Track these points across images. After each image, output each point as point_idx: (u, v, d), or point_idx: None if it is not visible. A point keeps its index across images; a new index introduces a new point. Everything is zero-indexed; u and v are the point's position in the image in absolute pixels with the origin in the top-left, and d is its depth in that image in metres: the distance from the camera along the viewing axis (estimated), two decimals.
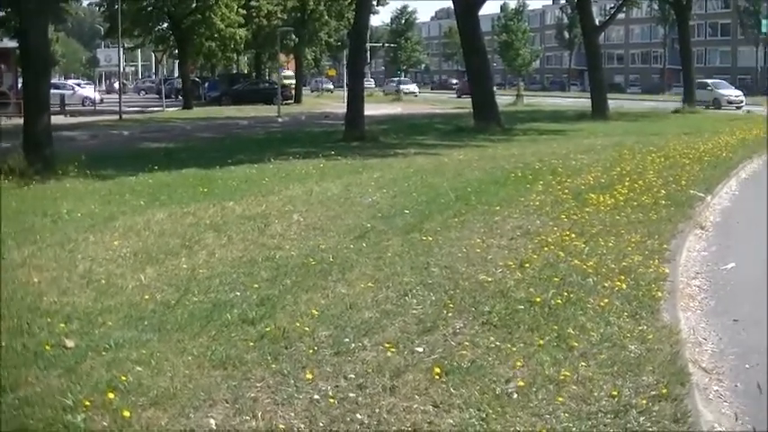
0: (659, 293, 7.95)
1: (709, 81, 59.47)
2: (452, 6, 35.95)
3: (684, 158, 19.04)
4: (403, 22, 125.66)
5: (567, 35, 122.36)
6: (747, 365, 6.85)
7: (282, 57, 70.85)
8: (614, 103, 46.84)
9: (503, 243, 10.01)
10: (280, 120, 43.10)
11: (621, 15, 77.01)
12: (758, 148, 23.95)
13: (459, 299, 7.55)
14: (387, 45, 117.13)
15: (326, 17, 66.07)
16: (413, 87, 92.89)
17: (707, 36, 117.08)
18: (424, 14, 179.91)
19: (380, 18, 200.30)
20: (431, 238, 10.11)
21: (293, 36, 64.19)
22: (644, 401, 5.40)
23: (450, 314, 7.11)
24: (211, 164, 19.41)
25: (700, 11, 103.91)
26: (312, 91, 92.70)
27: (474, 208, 12.36)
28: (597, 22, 47.18)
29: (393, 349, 6.19)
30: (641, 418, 5.19)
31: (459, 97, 70.37)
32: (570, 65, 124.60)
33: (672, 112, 44.83)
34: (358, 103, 29.05)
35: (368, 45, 41.02)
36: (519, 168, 17.14)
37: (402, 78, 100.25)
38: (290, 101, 63.34)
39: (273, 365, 5.87)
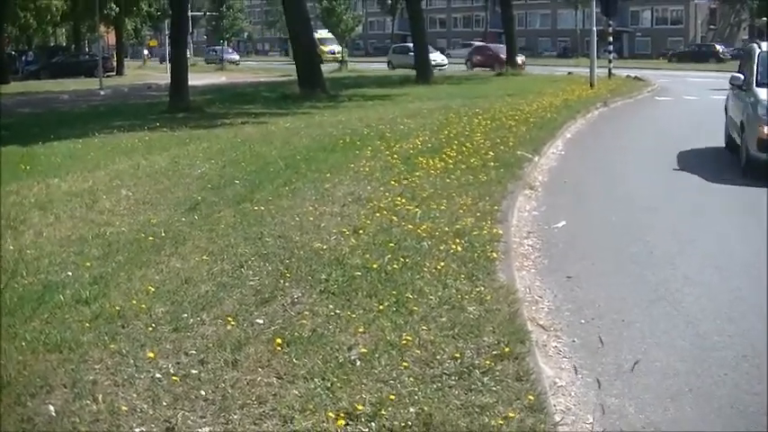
0: (494, 254, 8.09)
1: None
2: None
3: (510, 120, 19.43)
4: None
5: (389, 1, 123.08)
6: (582, 320, 7.07)
7: (102, 28, 68.86)
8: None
9: (335, 210, 10.00)
10: (102, 93, 41.93)
11: None
12: (581, 108, 24.72)
13: (295, 268, 7.49)
14: (208, 13, 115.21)
15: None
16: (235, 56, 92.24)
17: None
18: None
19: None
20: (263, 208, 10.01)
21: (113, 6, 62.45)
22: (486, 362, 5.49)
23: (287, 284, 7.05)
24: (33, 140, 18.68)
25: None
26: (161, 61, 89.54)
27: (304, 176, 12.30)
28: None
29: (233, 322, 6.10)
30: (485, 378, 5.26)
31: (471, 69, 61.32)
32: (393, 30, 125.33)
33: (495, 74, 45.67)
34: (182, 73, 28.55)
35: (189, 14, 40.14)
36: (347, 134, 17.15)
37: (224, 47, 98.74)
38: (111, 73, 61.73)
39: (111, 346, 5.70)
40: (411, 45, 50.94)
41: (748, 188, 12.93)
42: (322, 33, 74.98)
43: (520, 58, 54.04)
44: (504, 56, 52.74)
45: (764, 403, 5.55)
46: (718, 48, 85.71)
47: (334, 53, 74.47)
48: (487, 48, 66.37)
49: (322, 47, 67.03)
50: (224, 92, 38.15)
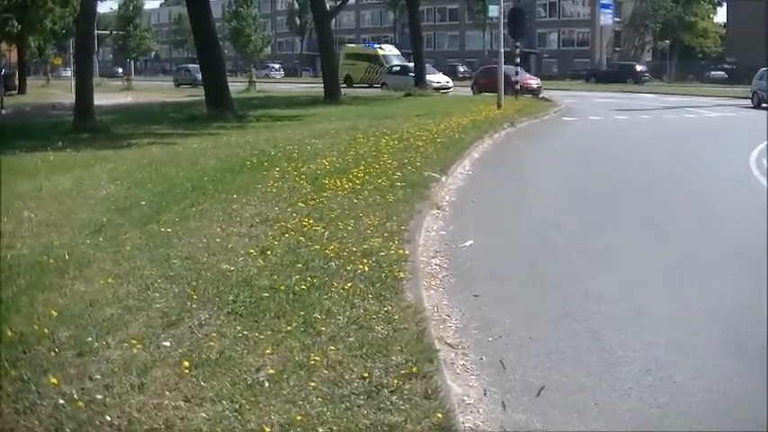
0: (401, 274, 8.11)
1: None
2: None
3: (418, 140, 19.55)
4: (131, 9, 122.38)
5: (298, 21, 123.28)
6: (490, 338, 7.14)
7: (4, 45, 67.48)
8: (346, 87, 47.54)
9: (243, 231, 9.94)
10: (3, 112, 41.11)
11: (352, 1, 78.42)
12: (488, 128, 24.97)
13: (202, 290, 7.42)
14: (115, 32, 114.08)
15: (51, 3, 63.33)
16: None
17: (436, 21, 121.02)
18: (153, 1, 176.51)
19: (108, 4, 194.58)
20: (170, 230, 9.89)
21: (15, 24, 61.28)
22: (395, 381, 5.50)
23: (194, 306, 6.99)
24: None
25: None
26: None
27: (212, 197, 12.20)
28: (328, 8, 47.66)
29: (139, 345, 6.01)
30: (393, 397, 5.28)
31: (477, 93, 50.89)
32: (302, 50, 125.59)
33: (404, 95, 45.90)
34: (87, 92, 28.04)
35: (95, 32, 39.61)
36: (255, 155, 17.07)
37: (128, 68, 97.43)
38: (13, 92, 60.52)
39: (12, 372, 5.56)
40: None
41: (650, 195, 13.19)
42: (386, 49, 70.31)
43: (535, 82, 51.12)
44: (515, 78, 46.30)
45: (667, 414, 5.69)
46: (638, 68, 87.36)
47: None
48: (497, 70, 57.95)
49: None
50: (131, 112, 37.64)
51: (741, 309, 8.25)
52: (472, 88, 53.77)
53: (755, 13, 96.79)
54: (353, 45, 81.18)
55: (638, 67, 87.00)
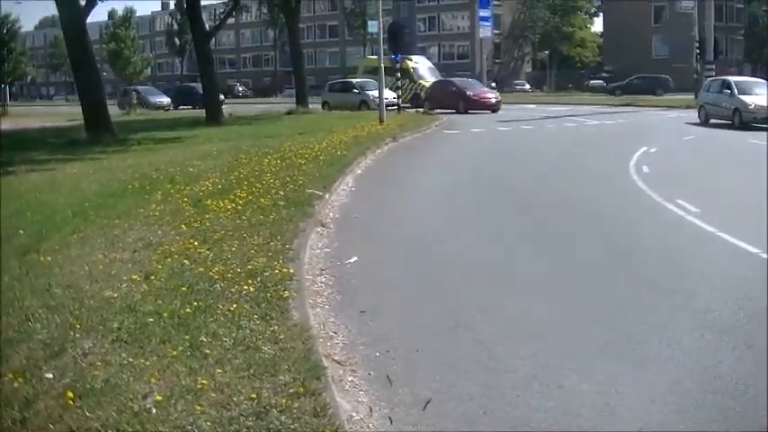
0: (287, 293, 8.11)
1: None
2: (58, 15, 34.66)
3: (300, 159, 19.56)
4: (5, 32, 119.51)
5: (177, 41, 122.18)
6: (377, 353, 7.20)
7: None
8: (228, 107, 47.24)
9: (126, 257, 9.78)
10: None
11: (232, 20, 77.60)
12: (371, 144, 25.12)
13: (86, 318, 7.28)
14: None
15: None
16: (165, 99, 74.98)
17: (316, 38, 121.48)
18: (27, 23, 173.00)
19: None
20: (50, 258, 9.68)
21: None
22: (283, 400, 5.51)
23: (78, 335, 6.85)
24: None
25: (308, 13, 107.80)
26: None
27: (93, 223, 11.97)
28: (208, 28, 47.35)
29: (20, 379, 5.88)
30: (282, 417, 5.28)
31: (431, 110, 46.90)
32: (182, 71, 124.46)
33: (285, 113, 45.83)
34: None
35: None
36: (136, 179, 16.84)
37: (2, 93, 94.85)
38: None
39: None
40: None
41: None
42: (416, 60, 59.54)
43: (493, 96, 48.39)
44: (470, 93, 46.65)
45: (554, 418, 5.82)
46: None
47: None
48: (451, 83, 51.65)
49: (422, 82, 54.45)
50: (7, 138, 36.77)
51: (624, 309, 8.50)
52: (424, 104, 49.26)
53: (630, 22, 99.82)
54: (374, 57, 70.90)
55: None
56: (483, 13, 72.72)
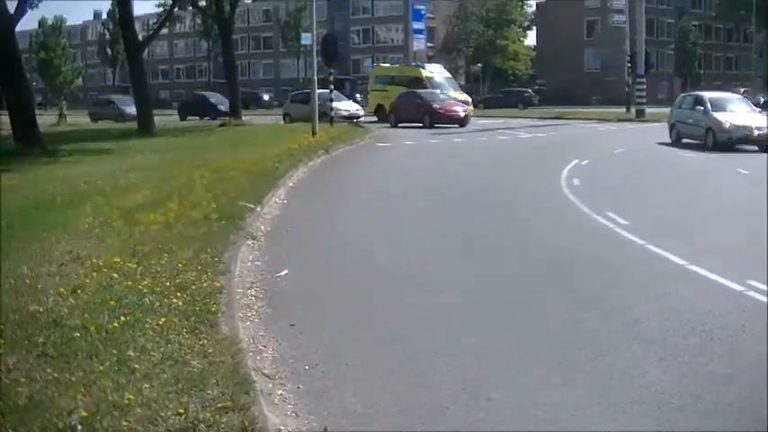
0: (216, 306, 8.09)
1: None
2: None
3: (233, 171, 19.43)
4: None
5: (110, 51, 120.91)
6: (307, 366, 7.20)
7: None
8: (161, 119, 46.83)
9: (53, 270, 9.61)
10: None
11: (165, 30, 76.89)
12: (303, 156, 25.07)
13: (10, 334, 7.16)
14: None
15: None
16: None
17: (250, 49, 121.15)
18: None
19: None
20: None
21: None
22: (211, 415, 5.48)
23: (1, 351, 6.74)
24: None
25: (243, 24, 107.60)
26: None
27: (19, 237, 11.80)
28: (141, 38, 46.98)
29: None
30: None
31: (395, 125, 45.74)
32: (114, 82, 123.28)
33: (218, 126, 45.55)
34: None
35: None
36: (65, 191, 16.61)
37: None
38: None
39: None
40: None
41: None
42: (431, 69, 57.05)
43: (462, 109, 45.67)
44: (437, 106, 44.57)
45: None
46: None
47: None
48: (416, 95, 47.61)
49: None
50: None
51: (552, 321, 8.60)
52: (389, 118, 47.44)
53: (563, 35, 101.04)
54: (387, 65, 67.60)
55: None
56: (416, 25, 73.17)
